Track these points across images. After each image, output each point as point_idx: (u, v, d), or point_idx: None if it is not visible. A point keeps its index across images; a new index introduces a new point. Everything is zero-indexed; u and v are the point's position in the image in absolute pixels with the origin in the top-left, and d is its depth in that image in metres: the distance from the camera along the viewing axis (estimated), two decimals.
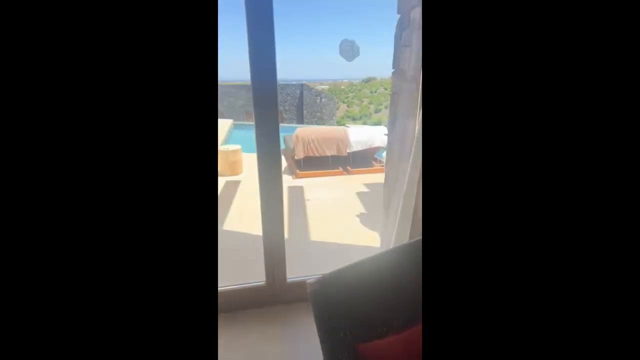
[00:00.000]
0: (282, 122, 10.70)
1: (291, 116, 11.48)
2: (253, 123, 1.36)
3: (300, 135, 4.68)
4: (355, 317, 0.94)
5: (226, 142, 6.12)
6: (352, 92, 15.59)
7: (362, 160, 4.98)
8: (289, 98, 11.38)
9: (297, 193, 3.83)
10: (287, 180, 4.30)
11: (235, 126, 8.20)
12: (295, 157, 4.70)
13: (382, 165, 4.42)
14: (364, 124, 13.05)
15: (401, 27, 1.44)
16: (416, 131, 1.42)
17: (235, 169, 4.33)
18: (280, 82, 11.45)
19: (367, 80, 15.84)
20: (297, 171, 4.50)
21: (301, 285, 1.67)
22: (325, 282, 0.93)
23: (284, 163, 4.94)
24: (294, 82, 11.64)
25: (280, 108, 11.19)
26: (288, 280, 1.65)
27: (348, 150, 4.82)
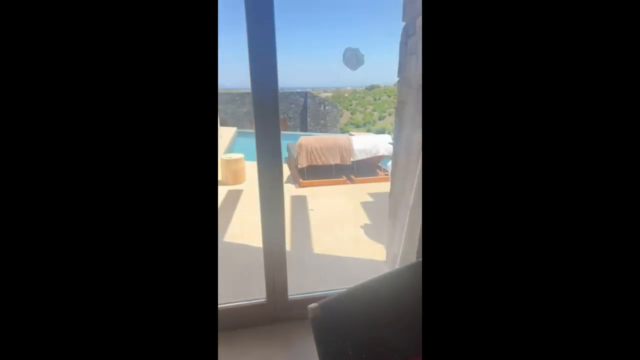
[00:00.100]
0: (286, 130, 10.75)
1: (295, 124, 11.53)
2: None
3: (303, 143, 4.64)
4: (358, 344, 0.88)
5: (230, 149, 6.11)
6: (355, 99, 15.64)
7: (366, 169, 4.92)
8: (292, 106, 11.45)
9: (301, 203, 3.77)
10: (291, 190, 4.26)
11: (239, 134, 8.21)
12: (299, 166, 4.65)
13: (387, 174, 4.39)
14: (368, 131, 13.06)
15: (406, 34, 1.39)
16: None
17: (237, 177, 4.29)
18: (285, 90, 11.53)
19: (371, 88, 15.89)
20: (301, 180, 4.45)
21: (303, 302, 1.60)
22: (327, 307, 0.87)
23: (288, 172, 4.90)
24: (298, 90, 11.71)
25: (285, 116, 11.29)
26: (290, 297, 1.58)
27: (352, 159, 4.77)
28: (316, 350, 0.84)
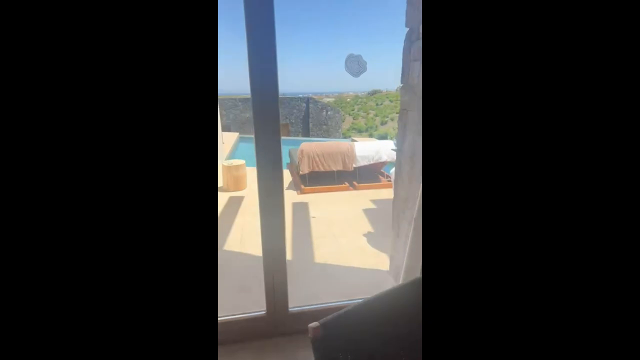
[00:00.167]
0: (288, 135, 10.74)
1: (297, 129, 11.53)
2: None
3: (305, 150, 4.61)
4: None
5: (232, 154, 6.09)
6: (357, 104, 15.65)
7: (368, 175, 4.88)
8: (295, 111, 11.47)
9: (303, 210, 3.73)
10: (293, 196, 4.21)
11: (241, 139, 8.20)
12: (301, 172, 4.62)
13: (389, 181, 4.34)
14: (370, 136, 13.05)
15: (410, 40, 1.36)
16: None
17: (238, 184, 4.26)
18: (287, 96, 11.55)
19: (373, 93, 15.91)
20: (303, 187, 4.41)
21: (304, 315, 1.56)
22: (327, 327, 0.83)
23: (290, 178, 4.86)
24: (300, 95, 11.72)
25: (287, 121, 11.29)
26: (290, 310, 1.53)
27: (354, 165, 4.72)
28: None
